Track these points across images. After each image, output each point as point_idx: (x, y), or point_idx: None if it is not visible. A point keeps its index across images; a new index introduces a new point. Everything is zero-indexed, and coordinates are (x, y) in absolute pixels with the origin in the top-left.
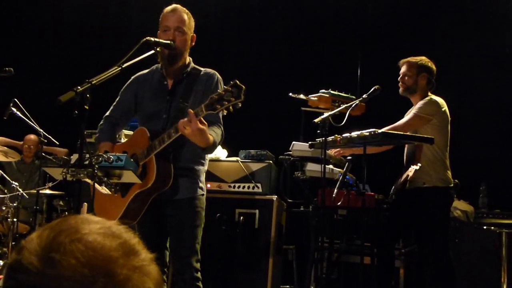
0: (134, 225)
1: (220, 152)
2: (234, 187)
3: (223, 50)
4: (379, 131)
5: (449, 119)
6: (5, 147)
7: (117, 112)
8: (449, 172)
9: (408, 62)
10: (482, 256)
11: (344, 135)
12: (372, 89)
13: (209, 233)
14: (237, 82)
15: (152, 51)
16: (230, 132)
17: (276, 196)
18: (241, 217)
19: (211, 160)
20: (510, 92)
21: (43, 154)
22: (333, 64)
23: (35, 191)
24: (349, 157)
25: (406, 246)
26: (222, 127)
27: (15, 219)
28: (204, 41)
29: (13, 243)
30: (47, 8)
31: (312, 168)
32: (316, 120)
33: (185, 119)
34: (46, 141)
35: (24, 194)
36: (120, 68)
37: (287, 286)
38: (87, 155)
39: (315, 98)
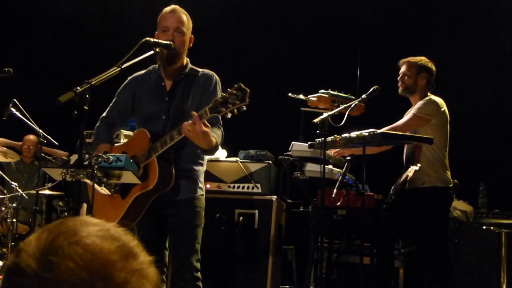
0: (134, 226)
1: (220, 153)
2: (233, 187)
3: (223, 50)
4: (379, 131)
5: (449, 119)
6: (5, 148)
7: (114, 113)
8: (449, 172)
9: (408, 62)
10: (481, 256)
11: (343, 135)
12: (372, 89)
13: (208, 234)
14: (242, 85)
15: (152, 52)
16: (229, 133)
17: (275, 196)
18: (241, 218)
19: (211, 161)
20: (509, 92)
21: (43, 154)
22: (333, 64)
23: (35, 192)
24: (348, 157)
25: (405, 246)
26: (221, 128)
27: (14, 220)
28: (204, 41)
29: (13, 243)
30: (47, 8)
31: (312, 168)
32: (315, 120)
33: (189, 121)
34: (45, 141)
35: (24, 195)
36: (119, 68)
37: (287, 286)
38: (87, 156)
39: (315, 98)
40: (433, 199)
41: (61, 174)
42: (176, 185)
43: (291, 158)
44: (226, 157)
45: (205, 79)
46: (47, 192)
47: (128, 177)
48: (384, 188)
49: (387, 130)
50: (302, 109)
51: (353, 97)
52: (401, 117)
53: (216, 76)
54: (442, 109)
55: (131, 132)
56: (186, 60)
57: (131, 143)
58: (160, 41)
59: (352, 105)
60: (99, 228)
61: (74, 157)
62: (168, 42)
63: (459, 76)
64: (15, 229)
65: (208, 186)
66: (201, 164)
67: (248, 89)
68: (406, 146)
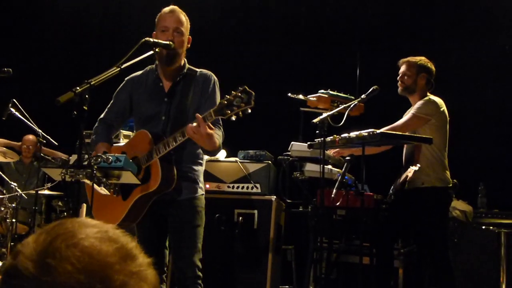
0: (133, 226)
1: (219, 153)
2: (233, 187)
3: (223, 50)
4: (378, 131)
5: (448, 119)
6: (4, 148)
7: (112, 114)
8: (448, 172)
9: (407, 61)
10: (481, 256)
11: (343, 135)
12: (371, 89)
13: (208, 234)
14: (246, 88)
15: (151, 52)
16: (229, 133)
17: (275, 197)
18: (240, 218)
19: (210, 161)
20: (509, 92)
21: (42, 155)
22: (332, 64)
23: (34, 192)
24: (348, 157)
25: (405, 246)
26: (221, 128)
27: (14, 220)
28: (204, 41)
29: (12, 243)
30: (47, 8)
31: (311, 168)
32: (315, 121)
33: (194, 124)
34: (44, 141)
35: (23, 195)
36: (119, 68)
37: (286, 286)
38: (86, 156)
39: (314, 99)
40: (433, 199)
41: (60, 174)
42: (177, 185)
43: (291, 158)
44: (226, 157)
45: (203, 79)
46: (46, 192)
47: (128, 177)
48: (384, 188)
49: (387, 130)
50: (302, 109)
51: (352, 97)
52: (401, 117)
53: (214, 76)
54: (442, 109)
55: (130, 132)
56: (184, 60)
57: (132, 144)
58: (159, 41)
59: (352, 105)
60: (98, 230)
61: (73, 157)
62: (167, 42)
63: (459, 76)
64: (15, 229)
65: (207, 186)
66: (201, 164)
67: (253, 92)
68: (405, 146)
